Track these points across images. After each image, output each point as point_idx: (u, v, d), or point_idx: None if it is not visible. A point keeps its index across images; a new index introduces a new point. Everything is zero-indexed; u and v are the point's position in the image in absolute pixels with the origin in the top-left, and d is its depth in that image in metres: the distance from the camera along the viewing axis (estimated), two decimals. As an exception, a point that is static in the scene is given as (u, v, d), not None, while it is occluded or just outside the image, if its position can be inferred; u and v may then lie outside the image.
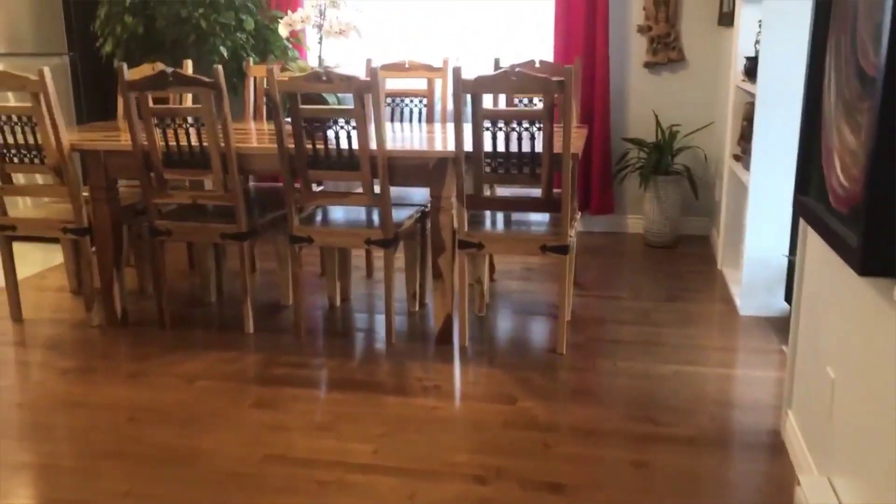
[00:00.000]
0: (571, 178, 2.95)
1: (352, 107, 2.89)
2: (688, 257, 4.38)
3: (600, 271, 4.15)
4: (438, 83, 4.00)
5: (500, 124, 2.88)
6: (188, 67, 4.05)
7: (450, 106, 4.01)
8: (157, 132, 3.12)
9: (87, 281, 3.41)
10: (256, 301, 3.70)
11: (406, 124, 3.94)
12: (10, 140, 3.25)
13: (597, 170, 4.72)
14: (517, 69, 2.78)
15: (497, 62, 3.97)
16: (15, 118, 3.21)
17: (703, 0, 4.56)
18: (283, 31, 3.35)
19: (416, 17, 4.88)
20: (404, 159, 3.04)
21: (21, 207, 3.90)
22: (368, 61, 4.04)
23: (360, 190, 3.04)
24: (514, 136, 2.89)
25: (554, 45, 4.65)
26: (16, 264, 3.49)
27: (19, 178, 3.53)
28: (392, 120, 4.04)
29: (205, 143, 3.10)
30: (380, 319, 3.49)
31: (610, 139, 4.74)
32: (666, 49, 4.63)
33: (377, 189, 3.01)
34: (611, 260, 4.37)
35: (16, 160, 3.28)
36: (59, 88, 4.67)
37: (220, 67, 2.98)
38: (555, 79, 2.76)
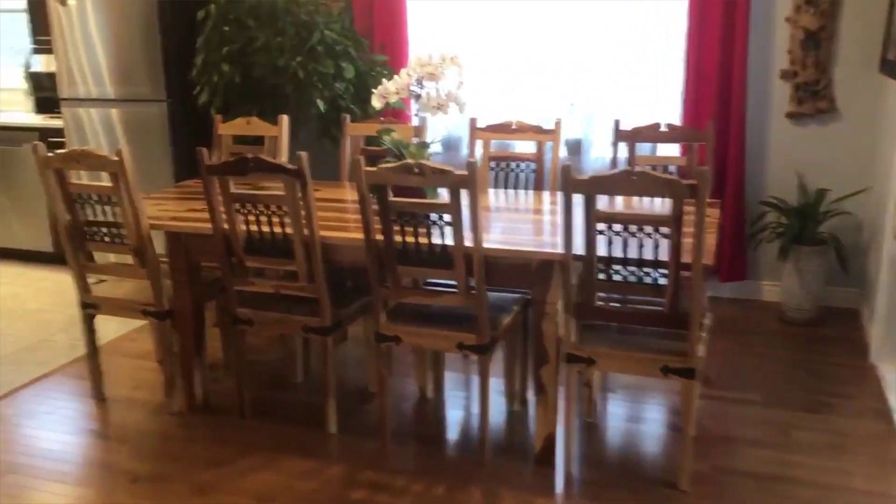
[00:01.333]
0: (700, 290, 2.50)
1: (444, 196, 2.55)
2: (833, 342, 3.79)
3: (729, 357, 3.64)
4: (549, 146, 3.59)
5: (617, 227, 2.46)
6: (284, 123, 3.82)
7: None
8: (240, 217, 2.88)
9: (167, 364, 3.23)
10: (343, 382, 3.43)
11: (511, 191, 3.56)
12: (93, 218, 3.09)
13: (728, 232, 4.19)
14: (637, 171, 2.34)
15: (617, 125, 3.52)
16: (96, 196, 3.04)
17: (862, 43, 3.94)
18: (376, 102, 3.03)
19: (525, 67, 4.47)
20: (504, 259, 2.66)
21: (105, 283, 3.77)
22: (473, 121, 3.68)
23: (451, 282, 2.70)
24: (633, 239, 2.47)
25: (684, 92, 4.14)
26: (104, 320, 3.36)
27: (108, 257, 3.38)
28: (496, 185, 3.67)
29: (288, 231, 2.83)
30: (474, 420, 3.14)
31: (744, 198, 4.19)
32: (814, 98, 4.03)
33: (473, 281, 2.65)
34: (742, 340, 3.84)
35: (97, 238, 3.12)
36: (157, 136, 4.58)
37: (304, 155, 2.69)
38: (686, 182, 2.31)
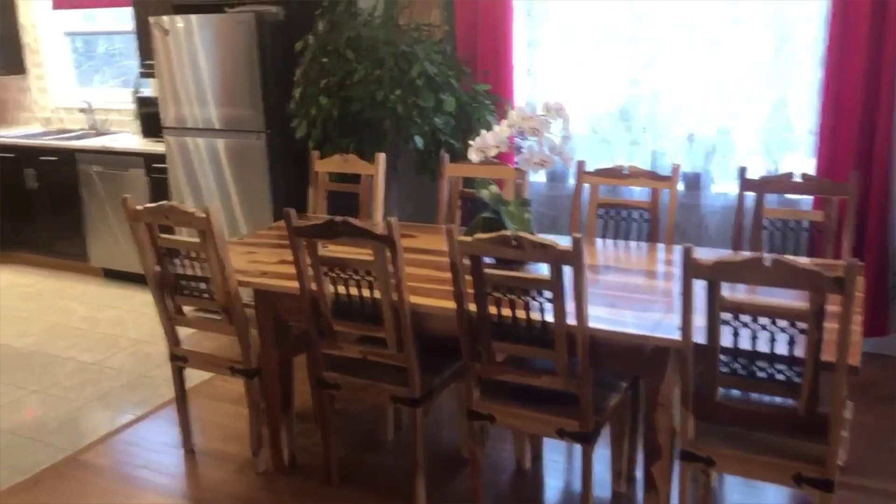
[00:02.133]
0: (840, 393, 2.14)
1: (545, 273, 2.29)
2: None
3: (872, 433, 3.22)
4: (665, 193, 3.26)
5: (745, 317, 2.14)
6: (380, 161, 3.64)
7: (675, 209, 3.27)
8: (328, 279, 2.71)
9: (254, 422, 3.11)
10: (434, 441, 3.23)
11: (622, 243, 3.25)
12: (183, 272, 3.00)
13: (869, 282, 3.73)
14: (771, 257, 2.01)
15: (742, 172, 3.16)
16: (185, 251, 2.94)
17: None
18: (473, 156, 2.79)
19: (639, 93, 4.12)
20: (612, 340, 2.38)
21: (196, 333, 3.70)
22: (580, 165, 3.39)
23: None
24: (763, 331, 2.14)
25: (818, 129, 3.70)
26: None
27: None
28: (605, 235, 3.37)
29: (377, 297, 2.64)
30: (575, 500, 2.87)
31: (888, 245, 3.72)
32: (977, 134, 3.53)
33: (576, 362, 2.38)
34: (885, 411, 3.40)
35: (186, 292, 3.03)
36: (257, 167, 4.50)
37: (393, 220, 2.49)
38: (829, 275, 1.96)
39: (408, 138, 3.95)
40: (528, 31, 4.33)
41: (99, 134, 5.82)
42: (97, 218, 5.40)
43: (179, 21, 4.50)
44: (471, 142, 2.80)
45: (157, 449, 3.36)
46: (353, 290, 2.69)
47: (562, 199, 4.32)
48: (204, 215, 2.77)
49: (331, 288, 2.72)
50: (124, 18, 5.81)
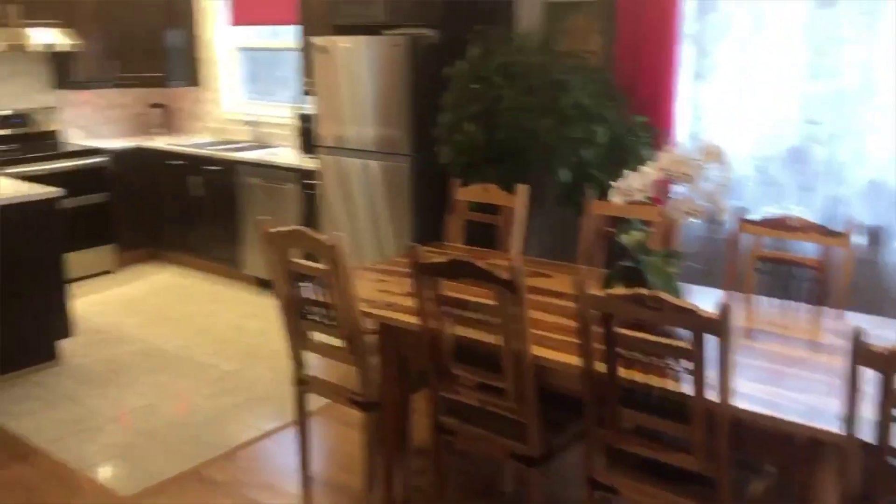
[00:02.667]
0: None
1: (684, 341, 2.04)
2: None
3: None
4: (837, 252, 2.87)
5: (926, 417, 1.79)
6: (522, 194, 3.48)
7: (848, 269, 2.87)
8: (449, 320, 2.57)
9: (370, 456, 3.02)
10: (555, 500, 3.01)
11: (784, 304, 2.90)
12: (311, 297, 2.97)
13: None
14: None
15: (936, 234, 2.73)
16: (313, 277, 2.91)
17: None
18: (616, 198, 2.57)
19: (818, 149, 3.71)
20: (758, 424, 2.08)
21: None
22: (740, 213, 3.07)
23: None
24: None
25: None
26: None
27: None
28: (765, 293, 3.01)
29: (498, 344, 2.47)
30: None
31: None
32: None
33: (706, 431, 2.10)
34: None
35: (311, 318, 2.99)
36: (401, 190, 4.45)
37: (519, 265, 2.31)
38: None
39: (554, 170, 3.76)
40: (696, 61, 4.02)
41: (262, 146, 6.03)
42: (253, 228, 5.58)
43: (337, 42, 4.55)
44: (614, 183, 2.58)
45: (276, 470, 3.35)
46: (475, 334, 2.53)
47: (720, 243, 3.96)
48: (332, 244, 2.72)
49: (452, 329, 2.59)
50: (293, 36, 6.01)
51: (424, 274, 2.54)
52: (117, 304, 5.41)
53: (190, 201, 5.95)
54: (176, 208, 6.10)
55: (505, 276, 2.34)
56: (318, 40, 4.65)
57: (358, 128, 4.56)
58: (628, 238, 2.58)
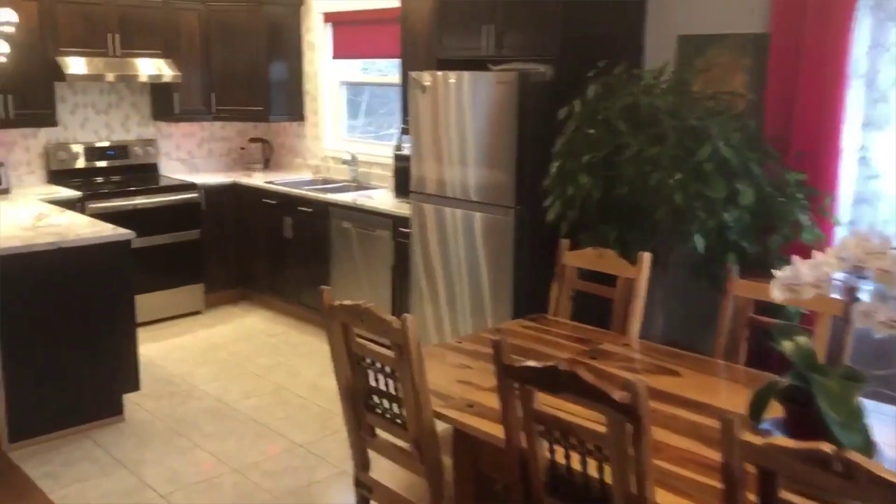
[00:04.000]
0: None
1: None
2: None
3: None
4: None
5: None
6: (644, 263, 2.86)
7: None
8: (543, 441, 1.98)
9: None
10: None
11: None
12: (375, 386, 2.44)
13: None
14: None
15: None
16: (379, 364, 2.38)
17: None
18: (777, 293, 1.91)
19: None
20: None
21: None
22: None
23: None
24: None
25: None
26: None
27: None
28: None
29: (607, 481, 1.85)
30: None
31: None
32: None
33: None
34: None
35: (376, 411, 2.46)
36: (501, 248, 3.88)
37: (641, 386, 1.69)
38: None
39: (686, 235, 3.11)
40: (867, 106, 3.29)
41: (359, 188, 5.63)
42: (343, 275, 5.15)
43: (439, 77, 4.07)
44: (776, 272, 1.92)
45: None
46: (577, 463, 1.92)
47: None
48: (400, 326, 2.18)
49: (547, 452, 1.98)
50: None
51: (512, 378, 1.96)
52: (197, 349, 5.08)
53: (282, 242, 5.59)
54: (268, 249, 5.76)
55: (621, 398, 1.72)
56: (417, 75, 4.18)
57: (457, 173, 4.04)
58: (791, 347, 1.91)
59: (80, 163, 5.64)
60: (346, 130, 6.19)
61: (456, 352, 2.77)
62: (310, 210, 5.32)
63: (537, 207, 3.65)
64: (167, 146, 6.16)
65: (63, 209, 4.60)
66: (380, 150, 5.73)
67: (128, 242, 3.96)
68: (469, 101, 3.92)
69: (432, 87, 4.09)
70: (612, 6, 3.93)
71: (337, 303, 2.41)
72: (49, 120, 5.30)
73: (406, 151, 5.27)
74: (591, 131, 3.30)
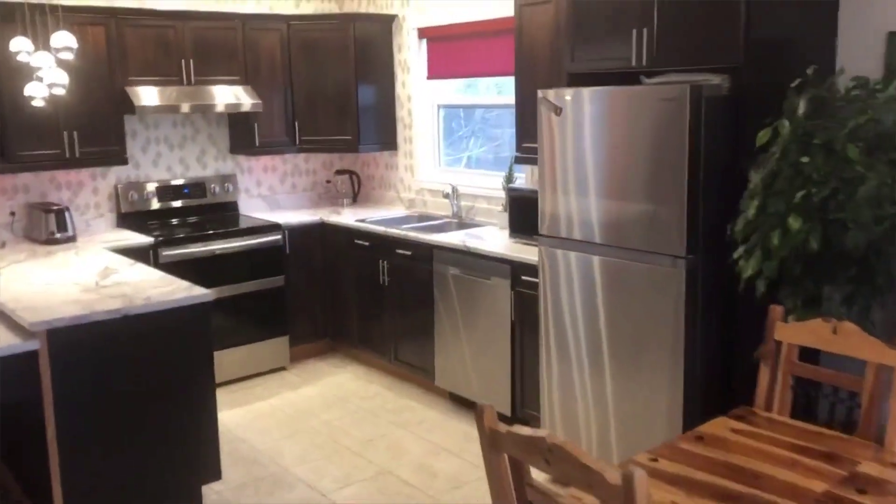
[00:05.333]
0: None
1: None
2: None
3: None
4: None
5: None
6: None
7: None
8: None
9: None
10: None
11: None
12: (560, 546, 1.66)
13: None
14: None
15: None
16: (571, 520, 1.60)
17: None
18: None
19: None
20: None
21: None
22: None
23: None
24: None
25: None
26: None
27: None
28: None
29: None
30: None
31: None
32: None
33: None
34: None
35: (564, 585, 1.68)
36: (666, 307, 3.06)
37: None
38: None
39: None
40: None
41: (462, 225, 4.89)
42: (449, 329, 4.41)
43: (575, 95, 3.30)
44: None
45: None
46: None
47: None
48: (620, 483, 1.40)
49: None
50: (506, 88, 4.88)
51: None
52: (284, 417, 4.40)
53: (376, 289, 4.88)
54: (360, 297, 5.06)
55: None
56: (547, 93, 3.42)
57: (603, 212, 3.25)
58: None
59: (154, 204, 5.07)
60: (445, 160, 5.48)
61: (659, 480, 1.96)
62: (409, 253, 4.61)
63: (719, 257, 2.84)
64: (247, 182, 5.56)
65: (133, 261, 3.99)
66: (484, 182, 4.99)
67: (207, 305, 3.30)
68: (621, 122, 3.14)
69: (569, 107, 3.32)
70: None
71: (505, 429, 1.64)
72: (119, 158, 4.73)
73: (520, 184, 4.54)
74: (805, 160, 2.47)
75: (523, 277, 3.88)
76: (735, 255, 2.70)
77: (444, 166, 5.45)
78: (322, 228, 5.25)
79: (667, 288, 3.02)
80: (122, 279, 3.54)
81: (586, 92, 3.26)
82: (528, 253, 3.91)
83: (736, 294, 2.81)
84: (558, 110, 3.33)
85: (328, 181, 5.92)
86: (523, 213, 4.16)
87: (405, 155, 5.56)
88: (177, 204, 5.16)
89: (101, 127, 4.60)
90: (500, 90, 5.01)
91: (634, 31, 3.19)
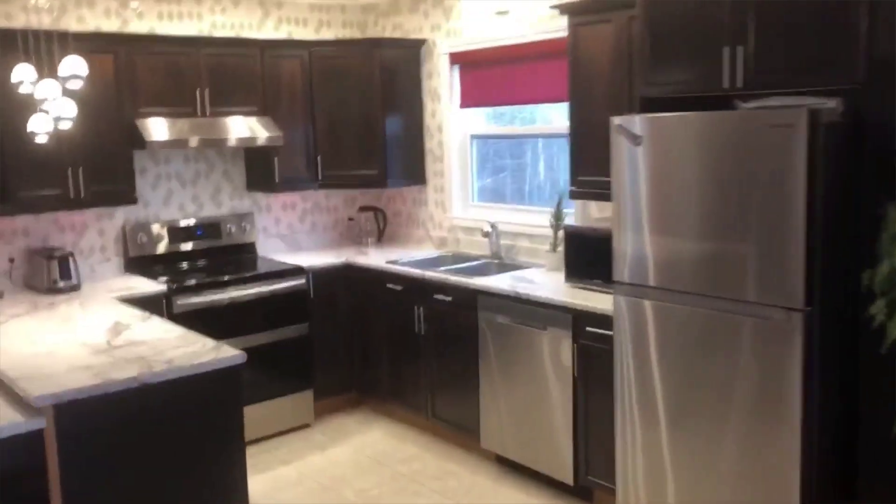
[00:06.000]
0: None
1: None
2: None
3: None
4: None
5: None
6: None
7: None
8: None
9: None
10: None
11: None
12: None
13: None
14: None
15: None
16: None
17: None
18: None
19: None
20: None
21: None
22: None
23: None
24: None
25: None
26: None
27: None
28: None
29: None
30: None
31: None
32: None
33: None
34: None
35: None
36: (778, 362, 2.63)
37: None
38: None
39: None
40: None
41: (504, 266, 4.47)
42: (497, 385, 3.96)
43: (658, 123, 2.90)
44: None
45: None
46: None
47: None
48: None
49: None
50: (550, 116, 4.50)
51: None
52: (314, 486, 3.93)
53: (410, 338, 4.44)
54: (391, 347, 4.62)
55: None
56: (623, 122, 3.02)
57: (698, 256, 2.83)
58: None
59: (163, 246, 4.63)
60: (477, 193, 5.07)
61: None
62: (449, 299, 4.17)
63: (844, 310, 2.41)
64: (264, 220, 5.14)
65: (146, 313, 3.55)
66: (523, 218, 4.58)
67: (237, 368, 2.87)
68: (716, 151, 2.73)
69: (648, 136, 2.92)
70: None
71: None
72: (128, 197, 4.31)
73: (570, 220, 4.13)
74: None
75: (589, 329, 3.45)
76: (872, 311, 2.27)
77: (478, 202, 5.04)
78: (348, 271, 4.82)
79: (780, 345, 2.59)
80: (137, 337, 3.10)
81: (672, 118, 2.87)
82: (591, 300, 3.49)
83: (867, 355, 2.39)
84: (637, 139, 2.93)
85: (350, 219, 5.50)
86: (582, 254, 3.75)
87: (435, 189, 5.15)
88: (189, 246, 4.73)
89: (109, 164, 4.19)
90: (513, 118, 4.63)
91: (726, 50, 2.80)
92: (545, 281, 3.96)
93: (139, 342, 3.02)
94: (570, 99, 3.77)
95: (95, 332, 3.20)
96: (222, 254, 4.85)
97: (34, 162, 3.90)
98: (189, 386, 2.74)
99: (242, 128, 4.54)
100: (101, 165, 4.15)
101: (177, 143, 4.31)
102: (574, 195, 3.87)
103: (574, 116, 3.77)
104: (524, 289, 3.80)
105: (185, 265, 4.66)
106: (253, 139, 4.55)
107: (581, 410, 3.55)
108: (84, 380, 2.57)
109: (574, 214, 4.18)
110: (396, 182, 5.09)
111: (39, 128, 3.21)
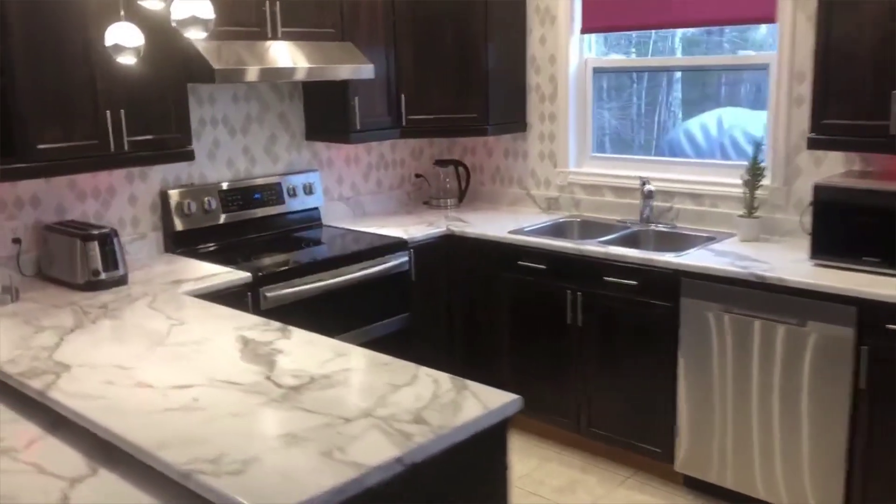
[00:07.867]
0: None
1: None
2: None
3: None
4: None
5: None
6: None
7: None
8: None
9: None
10: None
11: None
12: None
13: None
14: None
15: None
16: None
17: None
18: None
19: None
20: None
21: None
22: None
23: None
24: None
25: None
26: None
27: None
28: None
29: None
30: None
31: None
32: None
33: None
34: None
35: None
36: None
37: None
38: None
39: None
40: None
41: (667, 237, 3.52)
42: (716, 395, 3.04)
43: None
44: None
45: None
46: None
47: None
48: None
49: None
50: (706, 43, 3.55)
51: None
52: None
53: (559, 331, 3.44)
54: (523, 341, 3.62)
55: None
56: None
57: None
58: None
59: (215, 216, 3.44)
60: (598, 144, 4.08)
61: None
62: (632, 283, 3.18)
63: None
64: (326, 179, 3.98)
65: (279, 324, 2.40)
66: (682, 170, 3.65)
67: (509, 419, 1.82)
68: None
69: None
70: None
71: None
72: (182, 151, 3.07)
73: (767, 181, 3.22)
74: None
75: (888, 326, 2.55)
76: None
77: (598, 153, 4.05)
78: (449, 244, 3.76)
79: None
80: (306, 367, 1.99)
81: None
82: (877, 286, 2.60)
83: None
84: None
85: (418, 175, 4.40)
86: (839, 226, 2.83)
87: (540, 138, 4.11)
88: (247, 215, 3.55)
89: (157, 104, 2.95)
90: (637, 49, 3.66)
91: None
92: (774, 259, 3.02)
93: (321, 377, 1.92)
94: (820, 8, 2.82)
95: (227, 360, 2.06)
96: (287, 224, 3.69)
97: (61, 100, 2.65)
98: (450, 456, 1.68)
99: (319, 55, 3.36)
100: (147, 106, 2.91)
101: (265, 73, 3.10)
102: (815, 144, 2.94)
103: (822, 34, 2.82)
104: (764, 270, 2.86)
105: (249, 242, 3.49)
106: (335, 69, 3.38)
107: (862, 432, 2.68)
108: (317, 474, 1.48)
109: (770, 171, 3.28)
110: (501, 127, 4.02)
111: (128, 40, 1.99)
